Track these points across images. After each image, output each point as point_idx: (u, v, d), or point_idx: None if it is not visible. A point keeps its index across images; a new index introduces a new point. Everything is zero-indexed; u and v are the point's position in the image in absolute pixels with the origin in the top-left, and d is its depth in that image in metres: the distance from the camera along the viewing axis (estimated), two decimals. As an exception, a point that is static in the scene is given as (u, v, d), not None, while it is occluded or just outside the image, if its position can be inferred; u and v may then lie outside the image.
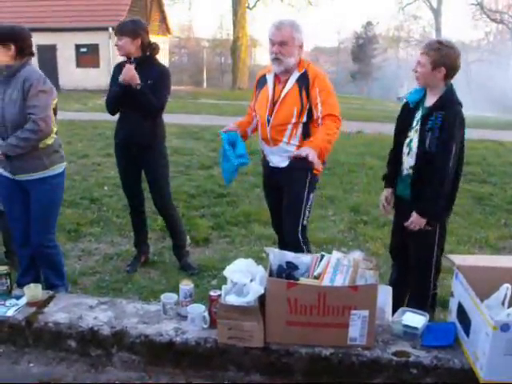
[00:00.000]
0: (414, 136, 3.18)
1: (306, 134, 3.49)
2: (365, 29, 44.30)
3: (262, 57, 48.16)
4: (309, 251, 3.63)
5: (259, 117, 3.66)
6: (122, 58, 4.13)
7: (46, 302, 3.19)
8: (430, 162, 3.06)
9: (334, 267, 2.76)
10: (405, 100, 3.36)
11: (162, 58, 28.48)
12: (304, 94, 3.44)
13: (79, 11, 24.92)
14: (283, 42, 3.40)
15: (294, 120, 3.47)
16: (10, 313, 3.06)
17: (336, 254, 2.86)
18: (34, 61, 3.65)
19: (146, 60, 4.04)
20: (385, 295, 2.95)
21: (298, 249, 3.46)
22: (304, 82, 3.46)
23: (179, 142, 10.08)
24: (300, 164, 3.37)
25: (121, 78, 3.88)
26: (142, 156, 4.19)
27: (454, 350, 2.67)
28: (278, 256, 2.96)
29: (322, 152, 3.32)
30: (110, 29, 23.47)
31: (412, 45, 47.85)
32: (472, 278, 2.66)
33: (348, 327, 2.66)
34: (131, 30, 3.97)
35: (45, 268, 3.73)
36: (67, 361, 2.95)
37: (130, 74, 3.86)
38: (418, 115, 3.20)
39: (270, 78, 3.60)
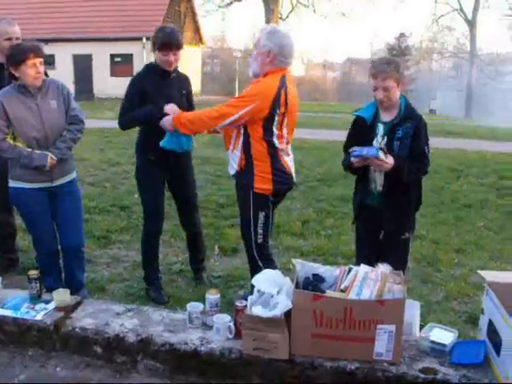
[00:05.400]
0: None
1: (247, 146, 3.39)
2: (398, 40, 43.99)
3: (293, 68, 48.28)
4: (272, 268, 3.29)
5: None
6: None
7: (73, 308, 3.23)
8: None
9: (362, 281, 2.72)
10: (356, 116, 3.30)
11: (195, 67, 28.80)
12: None
13: (114, 22, 25.42)
14: (254, 44, 3.40)
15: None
16: (38, 317, 3.12)
17: (364, 268, 2.83)
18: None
19: (176, 69, 3.78)
20: (412, 310, 2.89)
21: (256, 267, 3.43)
22: None
23: (210, 152, 10.13)
24: (241, 181, 3.50)
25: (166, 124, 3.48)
26: (178, 166, 3.94)
27: (483, 369, 2.61)
28: (305, 268, 2.94)
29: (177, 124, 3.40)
30: (144, 39, 23.84)
31: (446, 56, 47.36)
32: (503, 296, 2.60)
33: (374, 342, 2.62)
34: (182, 41, 3.70)
35: (75, 268, 3.80)
36: (93, 366, 2.98)
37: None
38: (380, 130, 3.19)
39: None
